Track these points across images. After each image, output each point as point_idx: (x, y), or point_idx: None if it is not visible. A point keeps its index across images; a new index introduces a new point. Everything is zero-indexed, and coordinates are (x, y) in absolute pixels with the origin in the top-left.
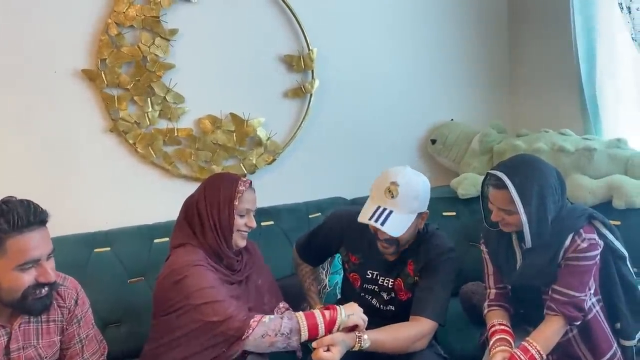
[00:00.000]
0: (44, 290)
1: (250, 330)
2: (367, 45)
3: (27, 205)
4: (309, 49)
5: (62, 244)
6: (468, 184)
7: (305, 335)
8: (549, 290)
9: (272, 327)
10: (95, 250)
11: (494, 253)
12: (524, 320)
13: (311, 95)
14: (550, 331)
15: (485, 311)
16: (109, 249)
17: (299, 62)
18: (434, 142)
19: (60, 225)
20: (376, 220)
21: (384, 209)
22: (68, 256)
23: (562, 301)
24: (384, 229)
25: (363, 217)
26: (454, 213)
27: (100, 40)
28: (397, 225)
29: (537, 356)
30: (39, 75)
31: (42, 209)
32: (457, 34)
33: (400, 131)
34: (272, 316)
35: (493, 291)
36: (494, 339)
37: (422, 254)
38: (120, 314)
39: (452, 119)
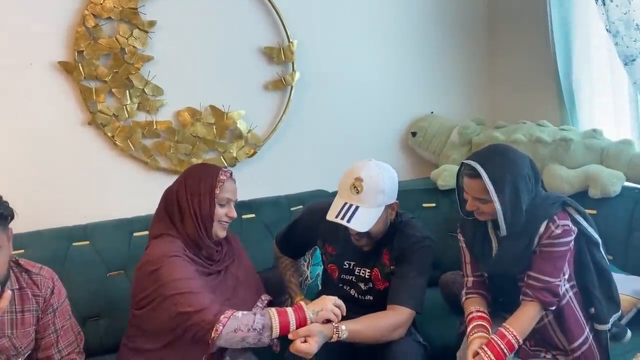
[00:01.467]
0: None
1: (221, 326)
2: (348, 38)
3: None
4: (289, 41)
5: (39, 238)
6: (447, 176)
7: (276, 332)
8: (524, 277)
9: (244, 322)
10: (74, 244)
11: (471, 242)
12: (502, 308)
13: (292, 87)
14: (526, 316)
15: (463, 299)
16: (87, 242)
17: (279, 54)
18: (414, 134)
19: (38, 219)
20: (342, 218)
21: (350, 205)
22: (46, 250)
23: (537, 287)
24: (351, 225)
25: (331, 215)
26: (434, 204)
27: (77, 32)
28: (364, 220)
29: (513, 341)
30: (15, 68)
31: (3, 204)
32: (437, 27)
33: (381, 124)
34: (244, 312)
35: (470, 279)
36: (471, 326)
37: (397, 243)
38: (100, 308)
39: (432, 112)
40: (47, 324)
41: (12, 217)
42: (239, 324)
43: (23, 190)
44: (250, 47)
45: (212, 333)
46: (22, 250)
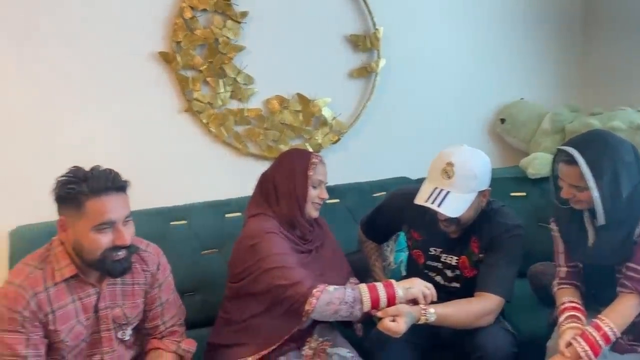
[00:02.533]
0: (121, 253)
1: (315, 299)
2: (434, 23)
3: (109, 172)
4: (374, 28)
5: (141, 217)
6: (538, 164)
7: (367, 305)
8: (622, 269)
9: (336, 295)
10: (172, 223)
11: (565, 231)
12: (595, 300)
13: (376, 74)
14: (624, 309)
15: (555, 289)
16: (184, 222)
17: (364, 42)
18: (503, 121)
19: (140, 199)
20: (432, 202)
21: (441, 190)
22: (147, 228)
23: (637, 278)
24: (441, 210)
25: (420, 199)
26: (524, 193)
27: (175, 24)
28: (455, 205)
29: (610, 334)
30: (119, 58)
31: (121, 177)
32: (527, 9)
33: (467, 110)
34: (336, 286)
35: (564, 269)
36: (564, 316)
37: (487, 231)
38: (195, 283)
39: (521, 98)
40: (154, 298)
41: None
42: (332, 297)
43: (126, 172)
44: (336, 36)
45: (306, 306)
46: None
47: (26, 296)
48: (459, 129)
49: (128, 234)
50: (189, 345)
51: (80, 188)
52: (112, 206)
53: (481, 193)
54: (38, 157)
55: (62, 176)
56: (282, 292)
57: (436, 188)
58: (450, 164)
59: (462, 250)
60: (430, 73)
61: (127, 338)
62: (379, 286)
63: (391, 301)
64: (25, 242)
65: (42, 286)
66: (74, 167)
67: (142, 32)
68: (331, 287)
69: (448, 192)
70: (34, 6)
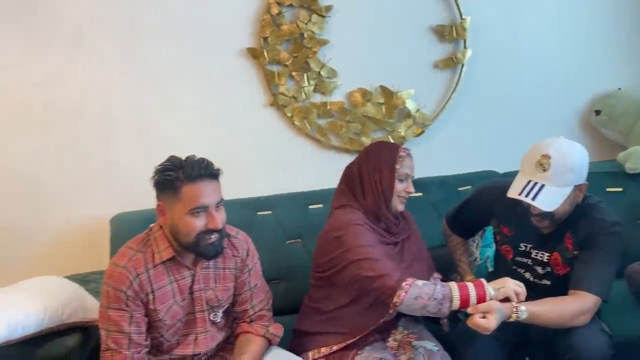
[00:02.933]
0: (214, 237)
1: (403, 292)
2: (523, 11)
3: (202, 161)
4: (461, 18)
5: (230, 206)
6: (637, 158)
7: (456, 304)
8: None
9: (425, 290)
10: (258, 213)
11: None
12: None
13: (463, 65)
14: None
15: None
16: (269, 212)
17: (450, 32)
18: (598, 113)
19: (228, 189)
20: (527, 195)
21: (535, 183)
22: (235, 218)
23: None
24: (535, 203)
25: (513, 192)
26: (620, 189)
27: (263, 20)
28: (550, 199)
29: None
30: (210, 55)
31: (214, 165)
32: None
33: (559, 101)
34: (425, 281)
35: None
36: None
37: (583, 227)
38: (280, 272)
39: (619, 88)
40: (244, 283)
41: None
42: (421, 292)
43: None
44: (421, 26)
45: (395, 298)
46: None
47: (129, 277)
48: (549, 121)
49: (220, 218)
50: (277, 330)
51: (177, 175)
52: (205, 192)
53: (577, 187)
54: (136, 150)
55: (161, 164)
56: (370, 284)
57: (530, 181)
58: (546, 156)
59: (555, 246)
60: (520, 63)
61: (218, 320)
62: (470, 286)
63: (481, 301)
64: (124, 228)
65: (143, 268)
66: (171, 156)
67: (231, 30)
68: (420, 282)
69: (543, 186)
70: (137, 11)
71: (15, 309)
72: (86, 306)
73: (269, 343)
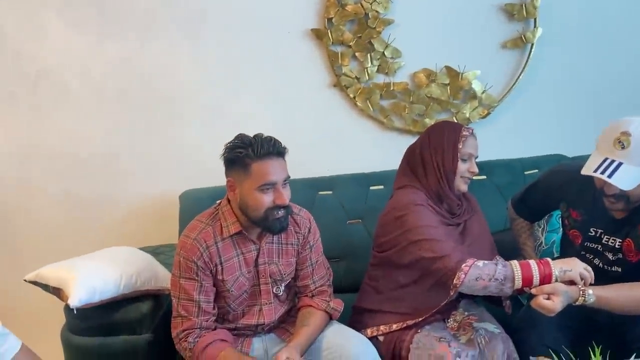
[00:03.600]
0: (281, 212)
1: (463, 274)
2: None
3: (270, 139)
4: None
5: (292, 185)
6: None
7: (519, 284)
8: None
9: (486, 271)
10: (320, 192)
11: None
12: None
13: (532, 45)
14: None
15: None
16: (330, 192)
17: (520, 11)
18: None
19: (291, 169)
20: (602, 172)
21: (612, 161)
22: (298, 196)
23: None
24: (612, 181)
25: (587, 169)
26: None
27: (328, 0)
28: (628, 178)
29: None
30: (276, 36)
31: (281, 143)
32: None
33: (634, 86)
34: (486, 261)
35: None
36: None
37: None
38: (340, 250)
39: None
40: (305, 258)
41: None
42: (481, 273)
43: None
44: (490, 5)
45: (455, 279)
46: None
47: (200, 248)
48: (621, 104)
49: (286, 194)
50: (337, 305)
51: (247, 152)
52: (273, 169)
53: None
54: (204, 130)
55: (230, 142)
56: (430, 265)
57: (607, 158)
58: (626, 133)
59: (629, 232)
60: (593, 44)
61: (280, 293)
62: (533, 265)
63: (546, 281)
64: (192, 204)
65: (213, 240)
66: (240, 134)
67: (296, 11)
68: (480, 262)
69: (620, 163)
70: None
71: (94, 276)
72: (158, 275)
73: (330, 317)
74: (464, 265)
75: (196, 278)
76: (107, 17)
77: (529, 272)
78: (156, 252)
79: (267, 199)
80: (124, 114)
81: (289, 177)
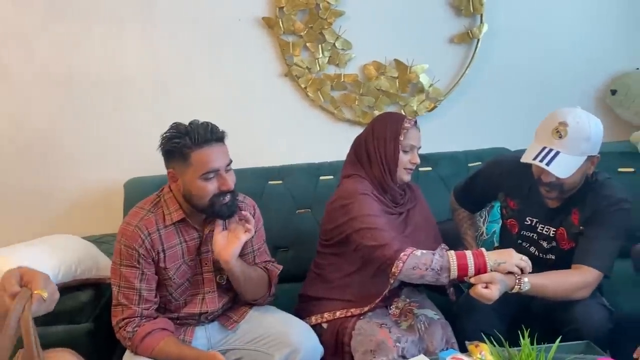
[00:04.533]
0: (227, 198)
1: (401, 263)
2: None
3: (206, 125)
4: None
5: (241, 175)
6: None
7: (454, 274)
8: None
9: (423, 261)
10: (269, 182)
11: None
12: None
13: (478, 40)
14: None
15: None
16: (280, 182)
17: (467, 6)
18: (614, 92)
19: (240, 158)
20: (541, 160)
21: (550, 150)
22: (246, 186)
23: None
24: (550, 169)
25: (527, 157)
26: (632, 169)
27: None
28: (564, 166)
29: None
30: (226, 24)
31: (219, 128)
32: None
33: (574, 80)
34: (424, 251)
35: None
36: None
37: (590, 203)
38: (289, 240)
39: (637, 68)
40: (247, 244)
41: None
42: (418, 262)
43: (229, 132)
44: (438, 0)
45: (393, 268)
46: None
47: (142, 235)
48: (564, 98)
49: (231, 180)
50: (277, 267)
51: (184, 141)
52: (214, 156)
53: (590, 159)
54: (151, 117)
55: (166, 132)
56: (371, 253)
57: (545, 147)
58: (563, 124)
59: (562, 221)
60: (536, 40)
61: (224, 282)
62: (469, 254)
63: (481, 271)
64: (138, 192)
65: (155, 227)
66: (175, 123)
67: None
68: (419, 252)
69: (558, 152)
70: None
71: (30, 263)
72: (99, 264)
73: (269, 277)
74: (402, 254)
75: (137, 266)
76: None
77: (464, 262)
78: (100, 241)
79: (211, 187)
80: (68, 98)
81: (231, 161)
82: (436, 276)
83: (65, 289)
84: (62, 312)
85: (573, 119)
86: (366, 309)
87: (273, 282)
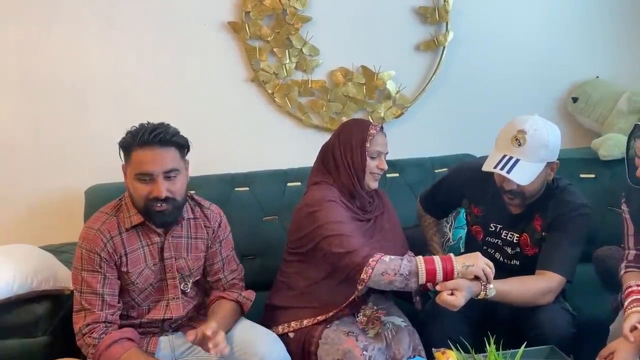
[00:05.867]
0: (162, 206)
1: (370, 269)
2: None
3: (155, 128)
4: (444, 1)
5: (207, 182)
6: (611, 145)
7: (423, 279)
8: None
9: (391, 266)
10: (236, 189)
11: (637, 213)
12: None
13: (444, 48)
14: None
15: (622, 272)
16: (247, 189)
17: (433, 14)
18: (575, 100)
19: (206, 164)
20: (502, 169)
21: (510, 157)
22: (212, 192)
23: None
24: (510, 176)
25: (488, 166)
26: (593, 175)
27: None
28: (524, 173)
29: None
30: (191, 27)
31: (172, 133)
32: None
33: (538, 88)
34: (392, 256)
35: (632, 252)
36: (629, 300)
37: (552, 209)
38: (256, 248)
39: (597, 76)
40: (215, 253)
41: (189, 149)
42: (387, 268)
43: (194, 137)
44: (404, 8)
45: (362, 274)
46: (193, 191)
47: (103, 239)
48: (527, 106)
49: (165, 187)
50: (249, 294)
51: (129, 139)
52: (152, 159)
53: (549, 165)
54: (113, 121)
55: (131, 127)
56: (339, 260)
57: (505, 155)
58: (522, 132)
59: (524, 227)
60: (500, 48)
61: (188, 290)
62: (437, 260)
63: (449, 276)
64: (99, 200)
65: (117, 231)
66: (142, 122)
67: (213, 2)
68: (387, 257)
69: (518, 160)
70: None
71: None
72: (57, 275)
73: (242, 309)
74: (371, 260)
75: (100, 270)
76: None
77: (432, 267)
78: (59, 250)
79: (143, 190)
80: (26, 101)
81: (177, 169)
82: (405, 281)
83: (22, 301)
84: (17, 325)
85: (531, 126)
86: (331, 313)
87: (245, 312)
